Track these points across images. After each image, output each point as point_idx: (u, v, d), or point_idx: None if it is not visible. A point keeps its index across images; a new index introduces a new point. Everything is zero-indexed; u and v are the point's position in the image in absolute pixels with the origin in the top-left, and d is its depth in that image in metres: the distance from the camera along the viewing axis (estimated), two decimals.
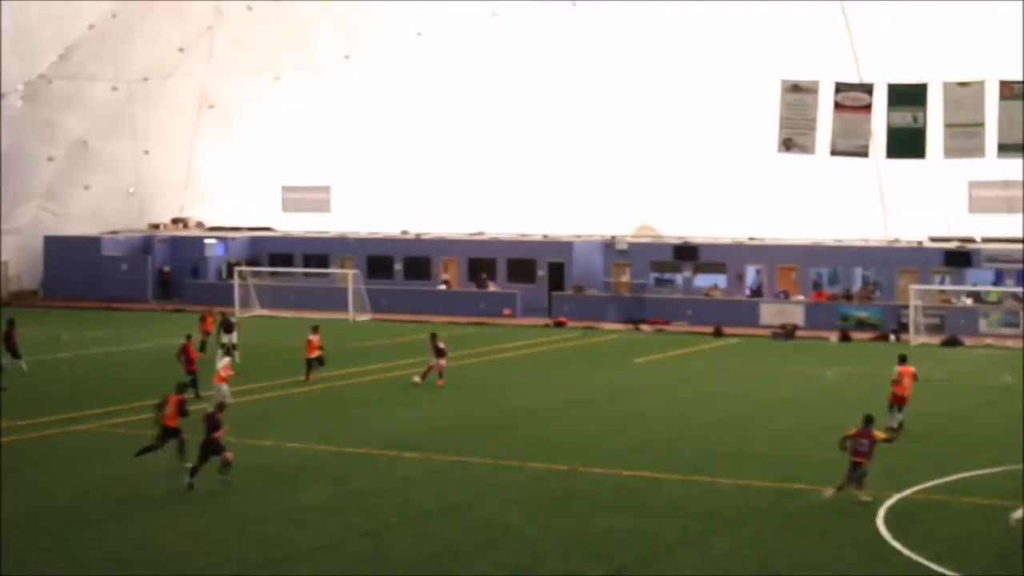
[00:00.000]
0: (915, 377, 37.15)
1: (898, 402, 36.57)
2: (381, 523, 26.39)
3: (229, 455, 29.18)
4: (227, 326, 51.42)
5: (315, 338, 46.18)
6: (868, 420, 28.66)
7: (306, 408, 40.23)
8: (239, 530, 25.96)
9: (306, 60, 79.78)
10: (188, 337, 44.43)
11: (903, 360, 37.58)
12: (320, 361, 46.33)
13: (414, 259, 77.77)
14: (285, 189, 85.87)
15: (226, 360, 39.80)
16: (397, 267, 77.86)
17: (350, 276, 72.13)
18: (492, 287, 73.69)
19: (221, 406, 30.91)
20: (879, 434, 28.56)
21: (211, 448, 29.21)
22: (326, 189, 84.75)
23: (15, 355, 48.21)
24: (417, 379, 45.17)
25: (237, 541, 25.17)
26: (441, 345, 46.01)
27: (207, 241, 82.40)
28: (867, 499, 27.75)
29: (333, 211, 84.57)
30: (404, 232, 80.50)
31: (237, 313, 65.72)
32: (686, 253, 71.44)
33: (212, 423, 29.47)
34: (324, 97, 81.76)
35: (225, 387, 38.08)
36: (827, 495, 27.97)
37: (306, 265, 79.62)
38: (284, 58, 79.16)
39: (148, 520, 26.69)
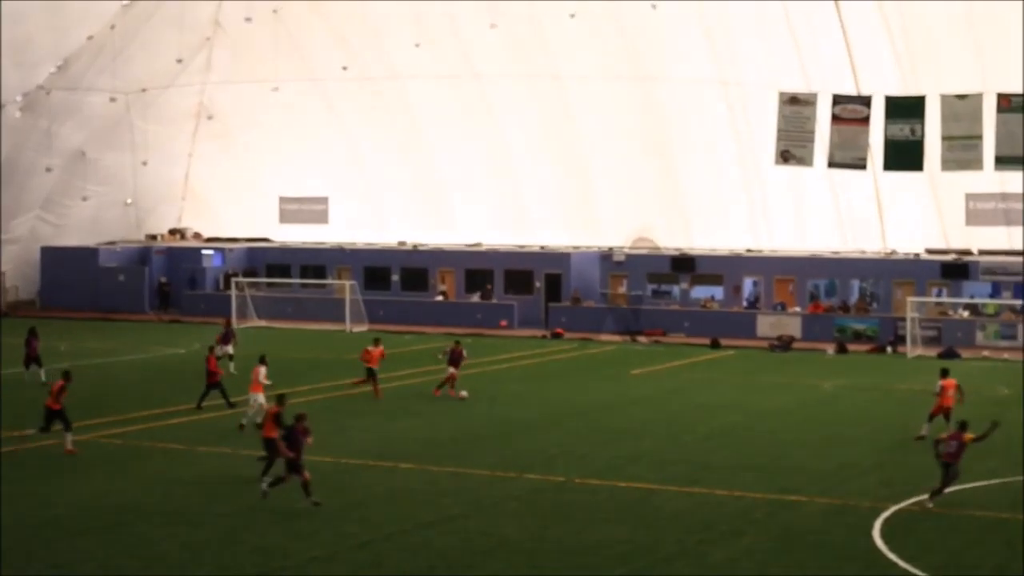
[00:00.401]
0: (960, 389, 37.99)
1: (940, 413, 37.43)
2: (377, 534, 26.38)
3: (306, 475, 28.51)
4: (225, 336, 51.48)
5: (374, 350, 45.50)
6: (962, 426, 29.41)
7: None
8: (235, 541, 25.94)
9: (304, 71, 79.82)
10: (211, 348, 44.65)
11: (946, 374, 38.40)
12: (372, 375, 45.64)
13: (411, 270, 77.77)
14: (283, 200, 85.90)
15: (263, 370, 39.76)
16: (394, 278, 77.85)
17: (347, 287, 72.12)
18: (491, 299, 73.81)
19: (300, 417, 29.35)
20: (969, 436, 29.07)
21: (292, 465, 28.51)
22: (324, 200, 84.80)
23: (38, 363, 48.48)
24: (464, 393, 45.06)
25: (233, 552, 25.15)
26: (464, 352, 46.25)
27: (204, 252, 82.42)
28: (929, 505, 28.54)
29: (331, 222, 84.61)
30: (401, 243, 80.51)
31: (234, 324, 65.62)
32: (683, 265, 71.46)
33: (294, 440, 28.74)
34: (322, 108, 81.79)
35: (261, 396, 38.31)
36: (928, 504, 28.77)
37: (303, 276, 79.61)
38: (282, 69, 79.11)
39: (144, 531, 26.66)
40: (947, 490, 28.79)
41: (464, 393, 44.89)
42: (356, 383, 45.93)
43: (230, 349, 50.66)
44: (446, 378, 45.48)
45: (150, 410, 41.73)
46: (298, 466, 28.38)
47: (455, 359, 45.60)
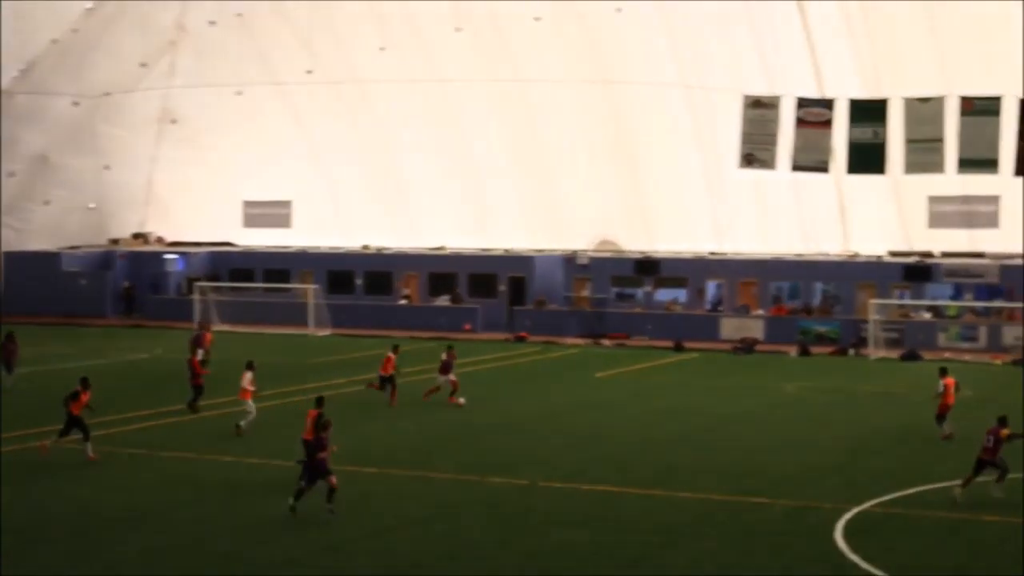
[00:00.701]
0: (958, 387, 39.18)
1: (946, 412, 38.51)
2: (340, 538, 26.32)
3: (334, 480, 27.84)
4: (196, 339, 51.25)
5: (393, 356, 45.23)
6: (1001, 421, 30.05)
7: (266, 424, 40.09)
8: (198, 547, 25.84)
9: (268, 75, 79.64)
10: (193, 351, 44.54)
11: (945, 372, 39.38)
12: (392, 382, 44.95)
13: (375, 274, 77.73)
14: (246, 204, 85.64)
15: (249, 375, 39.64)
16: (358, 282, 77.78)
17: (310, 291, 72.02)
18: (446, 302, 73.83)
19: (326, 425, 29.00)
20: (1006, 431, 29.71)
21: (317, 470, 27.88)
22: (287, 204, 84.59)
23: (9, 369, 48.06)
24: (461, 400, 44.76)
25: (195, 557, 25.05)
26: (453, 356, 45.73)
27: (167, 256, 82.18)
28: (1000, 495, 29.29)
29: (294, 226, 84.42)
30: (365, 247, 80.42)
31: (195, 329, 65.35)
32: (647, 268, 71.63)
33: (318, 444, 28.24)
34: (286, 112, 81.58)
35: (251, 403, 38.33)
36: (956, 493, 29.39)
37: (267, 280, 79.44)
38: (246, 73, 78.99)
39: (106, 537, 26.54)
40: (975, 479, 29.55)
41: (461, 400, 44.57)
42: (369, 386, 45.66)
43: (200, 355, 50.19)
44: (452, 387, 45.06)
45: (112, 415, 41.52)
46: (321, 473, 27.89)
47: (446, 367, 45.27)
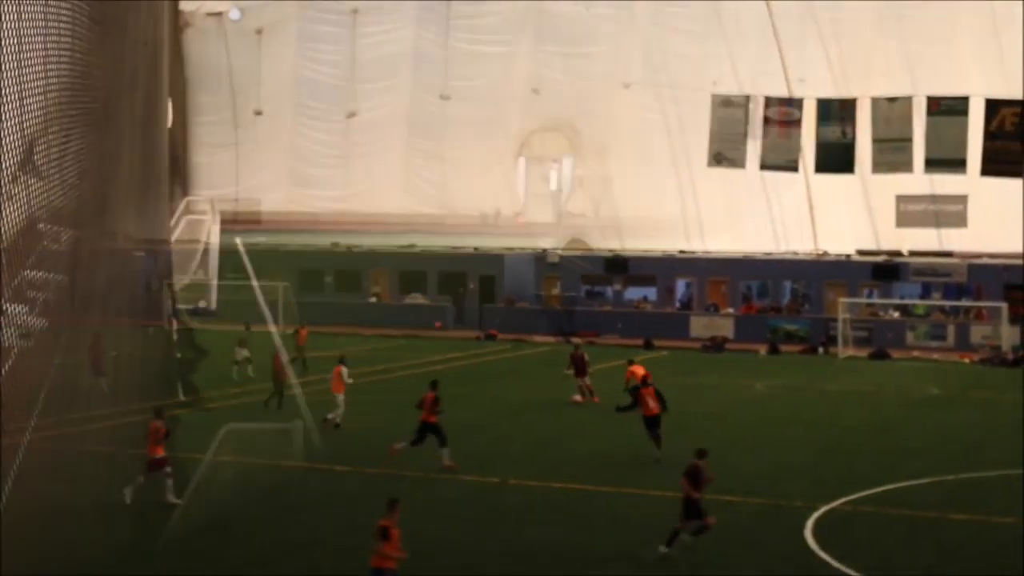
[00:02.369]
0: None
1: None
2: (312, 538, 26.33)
3: (711, 519, 25.21)
4: (241, 340, 51.22)
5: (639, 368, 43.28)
6: None
7: (238, 421, 39.99)
8: (170, 546, 25.80)
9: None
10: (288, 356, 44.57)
11: None
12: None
13: (345, 272, 77.62)
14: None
15: (344, 370, 39.64)
16: (328, 280, 77.65)
17: (280, 289, 71.85)
18: (425, 301, 73.76)
19: (702, 452, 25.89)
20: None
21: (693, 510, 25.22)
22: (257, 202, 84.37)
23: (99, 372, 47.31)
24: (578, 397, 44.83)
25: (168, 556, 25.02)
26: (586, 356, 45.87)
27: (135, 254, 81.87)
28: None
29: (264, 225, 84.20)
30: (335, 245, 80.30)
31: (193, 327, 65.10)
32: (616, 266, 71.74)
33: (696, 477, 25.33)
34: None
35: (341, 397, 38.33)
36: None
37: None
38: None
39: (77, 535, 26.46)
40: None
41: (578, 397, 44.70)
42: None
43: (246, 352, 50.27)
44: (583, 387, 44.94)
45: (87, 412, 41.35)
46: (699, 508, 25.34)
47: (581, 366, 45.16)
